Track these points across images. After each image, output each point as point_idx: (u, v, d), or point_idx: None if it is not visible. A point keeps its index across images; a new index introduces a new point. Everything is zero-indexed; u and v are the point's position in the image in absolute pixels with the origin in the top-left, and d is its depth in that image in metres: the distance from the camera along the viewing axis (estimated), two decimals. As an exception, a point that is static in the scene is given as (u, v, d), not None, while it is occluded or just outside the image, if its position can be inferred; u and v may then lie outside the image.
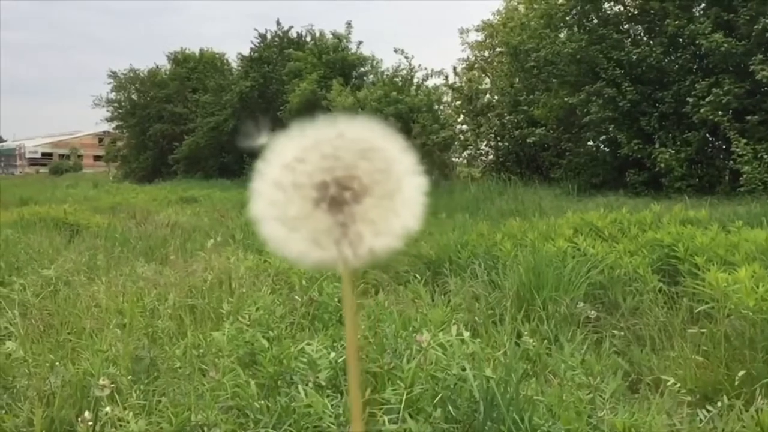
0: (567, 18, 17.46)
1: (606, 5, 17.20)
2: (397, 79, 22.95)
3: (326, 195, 0.67)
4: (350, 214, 0.67)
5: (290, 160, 0.69)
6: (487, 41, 23.00)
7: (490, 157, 21.29)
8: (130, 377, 3.18)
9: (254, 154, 0.72)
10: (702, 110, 13.84)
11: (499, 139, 20.53)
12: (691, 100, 14.25)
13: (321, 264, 0.67)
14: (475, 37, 23.31)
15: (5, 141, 76.83)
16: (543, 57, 17.25)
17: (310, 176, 0.68)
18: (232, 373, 3.02)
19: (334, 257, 0.67)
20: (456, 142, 20.67)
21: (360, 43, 26.87)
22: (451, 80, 21.77)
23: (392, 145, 0.70)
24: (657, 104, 15.44)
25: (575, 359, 3.19)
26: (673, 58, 15.68)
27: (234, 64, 34.29)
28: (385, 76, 23.72)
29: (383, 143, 0.69)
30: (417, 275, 5.53)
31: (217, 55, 36.78)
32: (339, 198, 0.67)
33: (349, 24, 26.81)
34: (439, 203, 11.63)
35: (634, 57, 15.34)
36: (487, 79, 22.60)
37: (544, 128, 17.87)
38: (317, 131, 0.70)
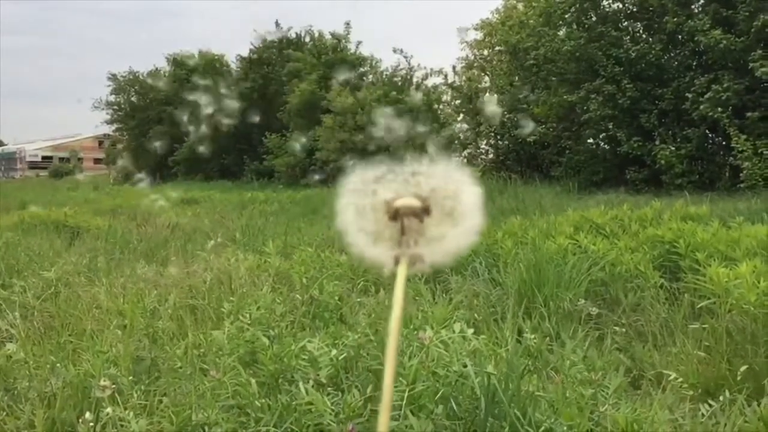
0: (566, 16, 17.44)
1: (605, 2, 17.19)
2: (396, 79, 22.99)
3: (395, 208, 0.78)
4: (413, 227, 0.78)
5: (372, 177, 0.81)
6: (486, 40, 22.98)
7: (490, 155, 21.28)
8: (131, 378, 3.17)
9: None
10: (701, 107, 13.82)
11: (498, 137, 20.52)
12: (690, 96, 14.24)
13: (376, 261, 0.79)
14: (474, 35, 23.29)
15: (6, 144, 76.88)
16: (542, 55, 17.24)
17: (386, 189, 0.80)
18: (232, 372, 3.02)
19: (388, 258, 0.78)
20: (456, 141, 20.67)
21: (359, 43, 26.91)
22: (450, 79, 21.77)
23: (459, 175, 0.81)
24: (656, 101, 15.42)
25: (577, 356, 3.18)
26: (672, 54, 15.68)
27: (233, 66, 34.32)
28: (384, 76, 23.76)
29: (452, 173, 0.81)
30: (418, 273, 5.51)
31: (216, 57, 36.74)
32: (405, 212, 0.78)
33: (347, 24, 26.86)
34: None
35: (633, 54, 15.32)
36: (487, 78, 22.58)
37: (543, 126, 17.84)
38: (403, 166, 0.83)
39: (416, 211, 0.78)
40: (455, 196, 0.80)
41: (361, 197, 0.80)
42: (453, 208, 0.79)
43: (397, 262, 0.78)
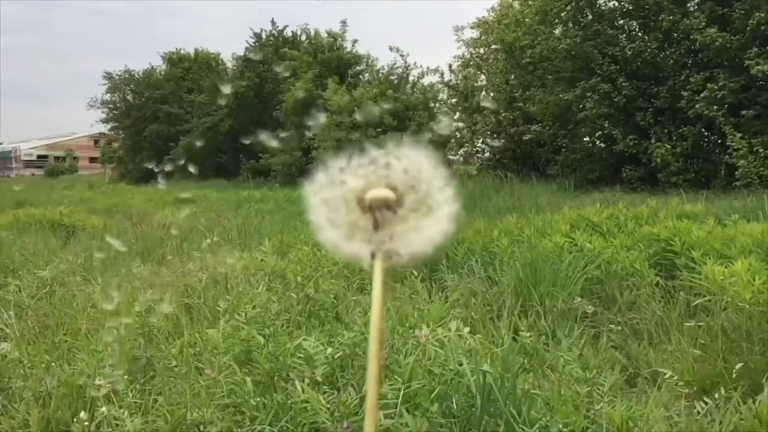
0: (562, 14, 17.44)
1: (600, 1, 17.19)
2: (392, 77, 22.95)
3: (367, 201, 0.76)
4: (386, 219, 0.76)
5: (344, 167, 0.79)
6: (482, 38, 22.96)
7: (486, 154, 21.28)
8: (126, 377, 3.16)
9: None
10: (697, 105, 13.85)
11: (495, 136, 20.51)
12: (686, 94, 14.26)
13: (352, 257, 0.77)
14: (470, 34, 23.27)
15: (1, 144, 76.55)
16: (538, 53, 17.24)
17: (356, 182, 0.77)
18: (228, 370, 3.01)
19: (364, 253, 0.76)
20: (452, 140, 20.66)
21: (355, 41, 26.87)
22: (446, 78, 21.76)
23: (429, 164, 0.79)
24: (652, 99, 15.43)
25: (573, 354, 3.19)
26: (667, 53, 15.67)
27: (229, 64, 34.27)
28: (380, 75, 23.72)
29: (422, 163, 0.78)
30: (414, 272, 5.51)
31: (212, 55, 36.71)
32: (377, 204, 0.76)
33: (344, 23, 26.81)
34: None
35: (629, 52, 15.33)
36: (483, 77, 22.57)
37: (540, 125, 17.85)
38: (369, 153, 0.80)
39: (388, 202, 0.76)
40: (427, 182, 0.77)
41: (330, 189, 0.78)
42: (426, 195, 0.77)
43: (373, 257, 0.76)
